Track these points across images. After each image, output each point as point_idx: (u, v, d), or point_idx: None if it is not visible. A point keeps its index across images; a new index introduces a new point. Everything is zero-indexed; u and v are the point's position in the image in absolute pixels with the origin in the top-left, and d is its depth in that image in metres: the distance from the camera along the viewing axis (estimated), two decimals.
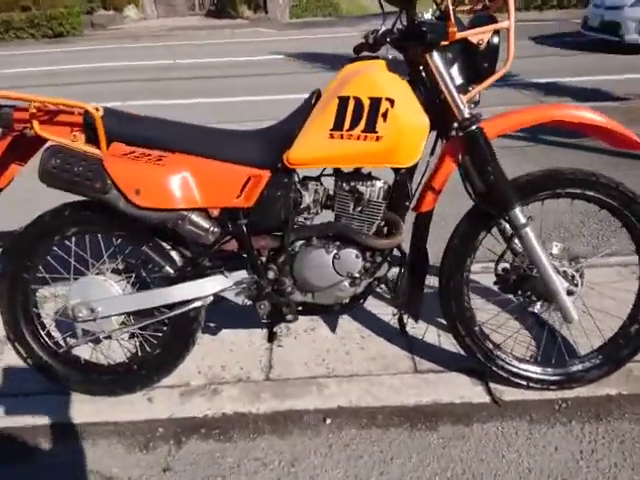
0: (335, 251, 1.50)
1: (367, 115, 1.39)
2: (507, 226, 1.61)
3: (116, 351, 1.76)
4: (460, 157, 1.48)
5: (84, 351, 1.75)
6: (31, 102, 1.41)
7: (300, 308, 1.60)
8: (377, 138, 1.39)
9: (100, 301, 1.56)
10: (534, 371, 1.64)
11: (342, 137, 1.41)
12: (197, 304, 1.58)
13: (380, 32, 1.52)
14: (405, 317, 2.00)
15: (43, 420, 1.65)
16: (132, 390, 1.70)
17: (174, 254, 1.59)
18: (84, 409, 1.68)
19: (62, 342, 1.74)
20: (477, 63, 1.43)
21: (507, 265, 1.65)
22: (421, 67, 1.45)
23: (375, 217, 1.51)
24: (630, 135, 1.44)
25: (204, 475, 1.46)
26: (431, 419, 1.59)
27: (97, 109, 1.40)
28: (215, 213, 1.52)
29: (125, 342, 1.77)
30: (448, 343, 1.88)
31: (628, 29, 7.09)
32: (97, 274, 1.62)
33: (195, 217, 1.50)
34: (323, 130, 1.42)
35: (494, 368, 1.63)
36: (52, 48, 11.65)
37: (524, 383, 1.63)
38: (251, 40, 11.40)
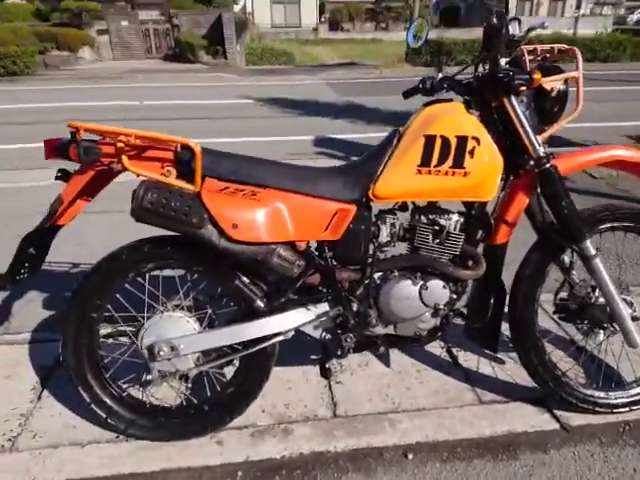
0: (422, 282, 1.54)
1: (455, 152, 1.47)
2: (565, 258, 1.72)
3: (183, 392, 1.69)
4: (533, 192, 1.58)
5: (147, 395, 1.67)
6: (119, 136, 1.39)
7: (380, 341, 1.62)
8: (465, 174, 1.47)
9: (182, 338, 1.52)
10: (598, 396, 1.71)
11: (430, 172, 1.48)
12: (278, 339, 1.57)
13: (438, 79, 1.63)
14: (454, 350, 2.06)
15: (107, 471, 1.55)
16: (203, 433, 1.63)
17: (255, 289, 1.57)
18: (152, 456, 1.59)
19: (126, 385, 1.66)
20: (547, 107, 1.55)
21: (565, 295, 1.75)
22: (493, 110, 1.56)
23: (455, 249, 1.57)
24: None
25: None
26: (509, 449, 1.62)
27: (196, 145, 1.40)
28: (302, 247, 1.53)
29: (178, 383, 1.71)
30: (502, 374, 1.94)
31: None
32: (169, 311, 1.58)
33: (283, 251, 1.50)
34: (410, 166, 1.48)
35: (564, 395, 1.69)
36: (9, 86, 11.33)
37: (590, 408, 1.70)
38: (216, 84, 11.55)
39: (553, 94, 1.54)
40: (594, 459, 1.59)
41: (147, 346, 1.53)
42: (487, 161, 1.48)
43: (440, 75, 1.65)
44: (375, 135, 6.06)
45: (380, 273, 1.59)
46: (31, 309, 2.46)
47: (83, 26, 17.67)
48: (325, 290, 1.59)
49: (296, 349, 2.07)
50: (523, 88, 1.49)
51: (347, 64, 15.91)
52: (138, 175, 1.42)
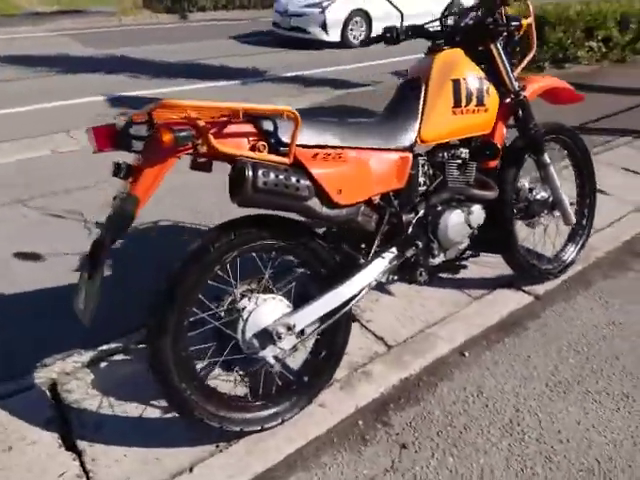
0: (466, 209, 1.78)
1: (477, 92, 1.71)
2: None
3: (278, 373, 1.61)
4: (509, 118, 1.95)
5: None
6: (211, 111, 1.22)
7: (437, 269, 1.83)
8: (485, 110, 1.74)
9: (293, 315, 1.46)
10: (547, 268, 2.29)
11: (462, 112, 1.70)
12: (364, 292, 1.62)
13: (404, 28, 1.82)
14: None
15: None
16: (309, 402, 1.61)
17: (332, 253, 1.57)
18: (271, 445, 1.52)
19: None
20: (510, 49, 1.90)
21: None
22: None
23: (471, 176, 1.84)
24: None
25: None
26: (519, 321, 2.09)
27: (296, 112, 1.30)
28: (376, 200, 1.59)
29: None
30: (472, 274, 2.35)
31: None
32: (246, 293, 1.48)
33: (364, 207, 1.55)
34: (446, 108, 1.68)
35: (534, 272, 2.21)
36: None
37: (550, 278, 2.27)
38: None
39: (516, 38, 1.89)
40: (564, 310, 2.17)
41: (256, 334, 1.43)
42: (494, 97, 1.77)
43: (404, 24, 1.83)
44: (178, 89, 5.74)
45: (431, 209, 1.75)
46: None
47: None
48: (392, 236, 1.69)
49: None
50: (516, 32, 1.79)
51: (72, 12, 13.77)
52: (226, 155, 1.27)
